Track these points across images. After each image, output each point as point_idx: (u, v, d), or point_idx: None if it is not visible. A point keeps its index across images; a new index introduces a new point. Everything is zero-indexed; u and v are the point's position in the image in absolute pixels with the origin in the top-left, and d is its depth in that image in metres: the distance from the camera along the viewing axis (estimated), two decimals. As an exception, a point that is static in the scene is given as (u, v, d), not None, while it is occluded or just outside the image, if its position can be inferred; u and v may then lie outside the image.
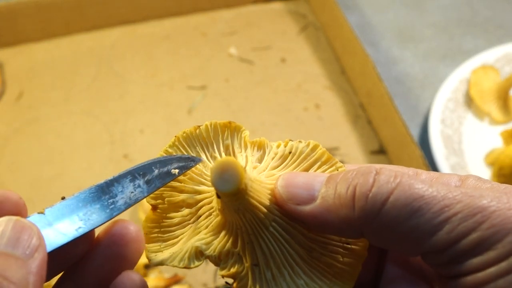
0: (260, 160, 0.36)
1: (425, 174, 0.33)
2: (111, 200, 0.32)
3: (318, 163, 0.34)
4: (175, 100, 0.93)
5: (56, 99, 0.93)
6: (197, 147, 0.36)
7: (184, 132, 0.36)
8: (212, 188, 0.34)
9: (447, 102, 0.87)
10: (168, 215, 0.35)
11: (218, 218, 0.33)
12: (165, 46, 1.02)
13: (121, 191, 0.32)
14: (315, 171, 0.34)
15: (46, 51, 1.01)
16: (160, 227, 0.35)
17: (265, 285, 0.32)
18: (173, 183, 0.35)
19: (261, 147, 0.36)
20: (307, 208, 0.31)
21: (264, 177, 0.34)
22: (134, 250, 0.34)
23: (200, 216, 0.35)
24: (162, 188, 0.34)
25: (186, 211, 0.35)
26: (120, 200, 0.32)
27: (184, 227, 0.35)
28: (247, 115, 0.90)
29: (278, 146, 0.36)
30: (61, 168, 0.83)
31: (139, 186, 0.33)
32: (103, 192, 0.32)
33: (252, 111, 0.91)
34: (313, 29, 1.05)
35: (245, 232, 0.32)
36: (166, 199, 0.35)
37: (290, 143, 0.35)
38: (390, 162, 0.82)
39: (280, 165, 0.35)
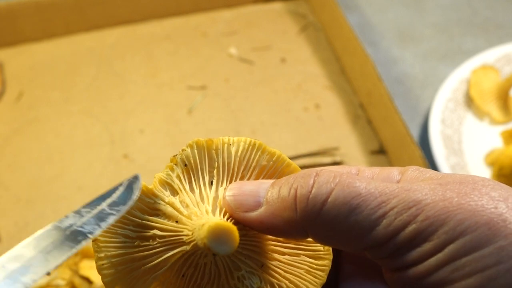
0: (174, 194, 0.34)
1: (368, 171, 0.35)
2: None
3: (213, 151, 0.34)
4: (175, 100, 0.93)
5: (56, 99, 0.93)
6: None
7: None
8: (184, 227, 0.33)
9: (447, 102, 0.87)
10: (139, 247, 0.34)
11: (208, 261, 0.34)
12: (165, 46, 1.02)
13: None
14: (216, 157, 0.34)
15: (46, 51, 1.01)
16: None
17: (278, 272, 0.34)
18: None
19: (164, 183, 0.34)
20: (254, 214, 0.32)
21: (209, 206, 0.33)
22: None
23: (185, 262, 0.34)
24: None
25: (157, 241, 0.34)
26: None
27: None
28: (247, 115, 0.90)
29: (172, 169, 0.34)
30: (61, 168, 0.83)
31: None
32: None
33: (252, 111, 0.91)
34: (313, 29, 1.05)
35: (240, 254, 0.33)
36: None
37: (178, 156, 0.34)
38: (390, 162, 0.82)
39: (191, 182, 0.34)
